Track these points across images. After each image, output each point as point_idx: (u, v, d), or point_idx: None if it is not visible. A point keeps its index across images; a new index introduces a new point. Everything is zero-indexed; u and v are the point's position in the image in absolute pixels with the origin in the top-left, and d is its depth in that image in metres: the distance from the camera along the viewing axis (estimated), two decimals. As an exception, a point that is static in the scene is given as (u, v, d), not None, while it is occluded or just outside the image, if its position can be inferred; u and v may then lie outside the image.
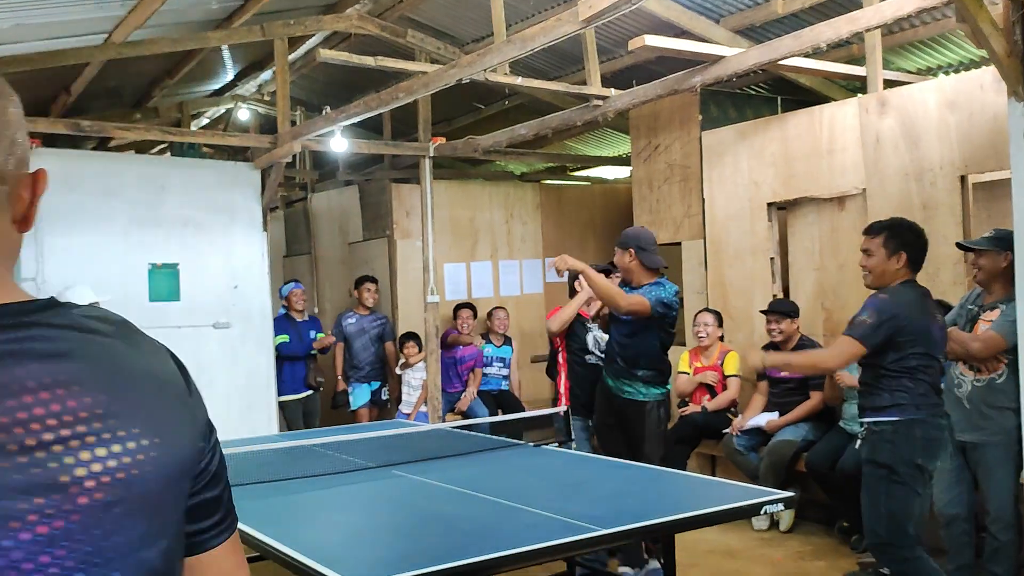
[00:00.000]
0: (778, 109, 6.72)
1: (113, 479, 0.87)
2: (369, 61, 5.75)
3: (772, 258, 6.07)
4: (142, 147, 10.12)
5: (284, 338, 7.30)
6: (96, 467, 0.86)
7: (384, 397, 7.75)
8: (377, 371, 7.72)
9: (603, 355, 5.05)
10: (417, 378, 7.36)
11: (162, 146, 10.11)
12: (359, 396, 7.55)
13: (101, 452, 0.87)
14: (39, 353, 0.88)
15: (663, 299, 4.52)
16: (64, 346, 0.90)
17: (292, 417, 7.35)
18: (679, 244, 6.82)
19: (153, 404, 0.96)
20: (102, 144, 9.41)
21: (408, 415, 7.22)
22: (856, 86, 6.48)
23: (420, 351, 7.39)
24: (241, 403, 7.12)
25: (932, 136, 5.13)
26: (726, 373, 6.00)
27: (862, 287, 5.53)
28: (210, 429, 1.05)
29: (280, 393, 7.27)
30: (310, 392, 7.36)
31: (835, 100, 6.26)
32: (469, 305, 7.71)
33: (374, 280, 7.73)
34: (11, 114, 0.97)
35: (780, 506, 3.21)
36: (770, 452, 5.48)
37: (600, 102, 5.66)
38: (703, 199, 6.51)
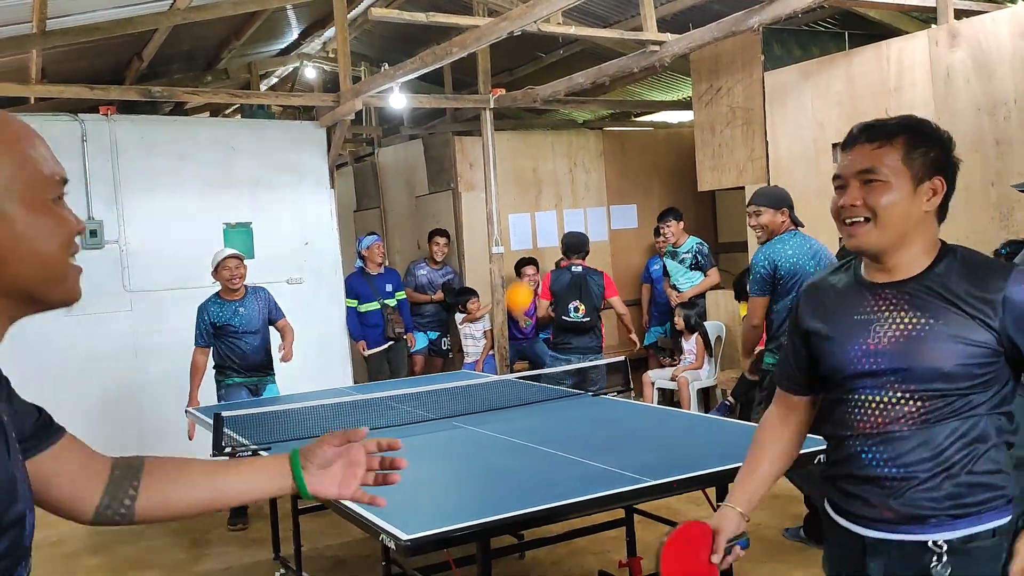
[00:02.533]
0: (846, 45, 6.49)
1: None
2: (421, 17, 5.77)
3: (838, 200, 5.93)
4: (216, 109, 10.40)
5: (352, 302, 7.42)
6: None
7: (445, 347, 7.90)
8: (439, 322, 7.86)
9: None
10: (478, 329, 7.47)
11: (235, 107, 10.37)
12: (416, 343, 7.71)
13: None
14: None
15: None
16: None
17: (375, 370, 7.54)
18: (742, 188, 6.71)
19: None
20: (178, 108, 9.70)
21: (474, 365, 7.36)
22: (929, 17, 6.21)
23: (480, 305, 7.50)
24: (316, 357, 7.37)
25: (1006, 68, 4.91)
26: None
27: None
28: None
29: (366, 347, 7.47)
30: (391, 343, 7.48)
31: (907, 33, 6.01)
32: (533, 260, 7.64)
33: (445, 233, 7.81)
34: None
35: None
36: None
37: (656, 47, 5.57)
38: (766, 142, 6.37)
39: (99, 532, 5.43)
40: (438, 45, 5.62)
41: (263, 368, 5.73)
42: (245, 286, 5.74)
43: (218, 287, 5.71)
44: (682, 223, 7.28)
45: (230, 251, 5.72)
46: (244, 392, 5.59)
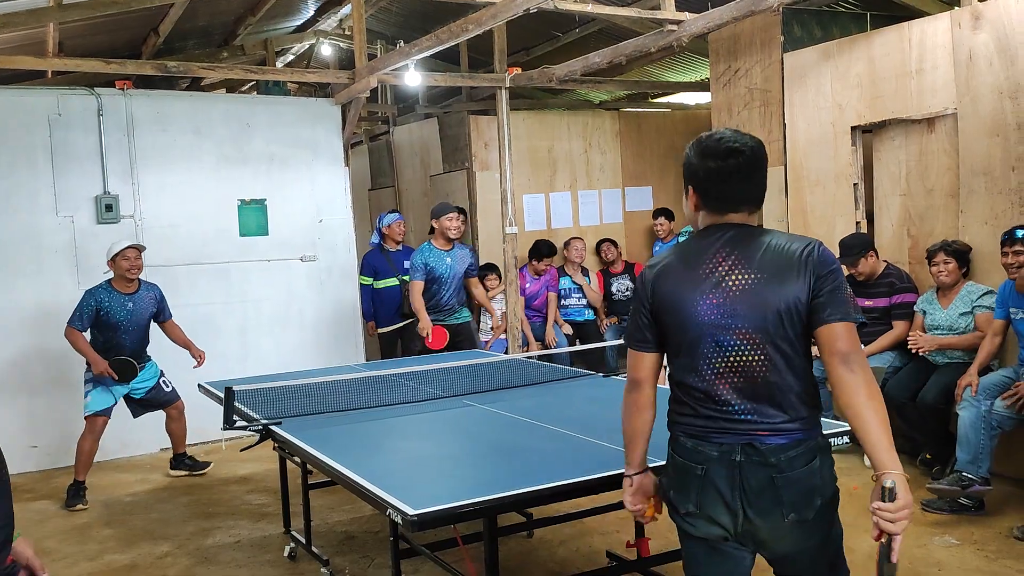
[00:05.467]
0: (867, 26, 6.40)
1: None
2: (436, -8, 5.72)
3: (856, 184, 5.87)
4: (232, 86, 10.39)
5: (367, 280, 7.43)
6: None
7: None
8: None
9: None
10: (496, 308, 7.47)
11: (250, 83, 10.36)
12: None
13: None
14: None
15: None
16: None
17: (387, 347, 7.54)
18: (759, 171, 6.65)
19: None
20: (194, 84, 9.70)
21: (486, 343, 7.37)
22: (952, -1, 6.11)
23: (500, 282, 7.49)
24: (328, 333, 7.41)
25: (1030, 51, 4.82)
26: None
27: (950, 213, 5.35)
28: None
29: (378, 325, 7.46)
30: (406, 322, 7.47)
31: (929, 15, 5.91)
32: (548, 244, 7.74)
33: (462, 212, 7.78)
34: None
35: (845, 439, 3.19)
36: (857, 382, 5.34)
37: (674, 27, 5.51)
38: (784, 124, 6.30)
39: (111, 504, 5.49)
40: (454, 22, 5.57)
41: (137, 359, 5.68)
42: (139, 280, 5.68)
43: (111, 275, 5.63)
44: None
45: (129, 242, 5.64)
46: (111, 381, 5.53)
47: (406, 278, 7.22)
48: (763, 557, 2.36)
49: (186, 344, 5.87)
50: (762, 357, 2.19)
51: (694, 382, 2.26)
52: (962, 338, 4.98)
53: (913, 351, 5.13)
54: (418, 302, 6.29)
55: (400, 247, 7.54)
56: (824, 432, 2.93)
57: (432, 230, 6.45)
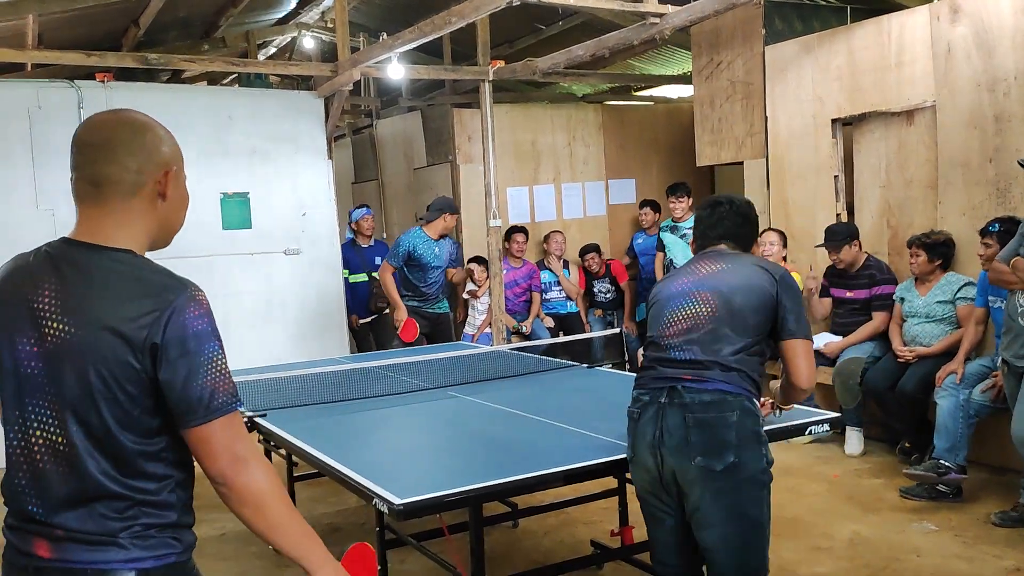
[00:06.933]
0: (848, 19, 6.45)
1: None
2: (419, -15, 5.71)
3: (836, 176, 5.93)
4: (214, 78, 10.33)
5: (345, 272, 7.50)
6: None
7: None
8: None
9: None
10: (483, 302, 7.49)
11: (232, 76, 10.30)
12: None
13: None
14: None
15: None
16: None
17: (361, 340, 7.60)
18: (741, 164, 6.70)
19: None
20: (176, 76, 9.64)
21: (472, 336, 7.39)
22: (931, -8, 6.16)
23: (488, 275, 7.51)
24: (312, 327, 7.40)
25: (1007, 44, 4.88)
26: (788, 293, 5.94)
27: (929, 204, 5.41)
28: None
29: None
30: (374, 317, 7.53)
31: (908, 8, 5.97)
32: (521, 229, 7.80)
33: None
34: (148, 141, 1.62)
35: (826, 427, 3.23)
36: (839, 373, 5.39)
37: (657, 19, 5.53)
38: (766, 117, 6.35)
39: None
40: (437, 15, 5.57)
41: None
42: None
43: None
44: (691, 200, 7.29)
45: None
46: None
47: (375, 274, 7.29)
48: (689, 522, 2.58)
49: None
50: (707, 310, 2.66)
51: (655, 338, 2.75)
52: (939, 344, 5.05)
53: (900, 359, 5.19)
54: (389, 284, 6.34)
55: (372, 243, 7.61)
56: (805, 420, 3.03)
57: (422, 219, 6.50)
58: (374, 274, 7.37)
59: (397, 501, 2.48)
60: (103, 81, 6.60)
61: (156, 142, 1.62)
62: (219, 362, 1.53)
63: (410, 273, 6.39)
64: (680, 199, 7.21)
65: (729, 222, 2.88)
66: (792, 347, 2.68)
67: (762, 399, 2.79)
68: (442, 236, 6.48)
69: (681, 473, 2.55)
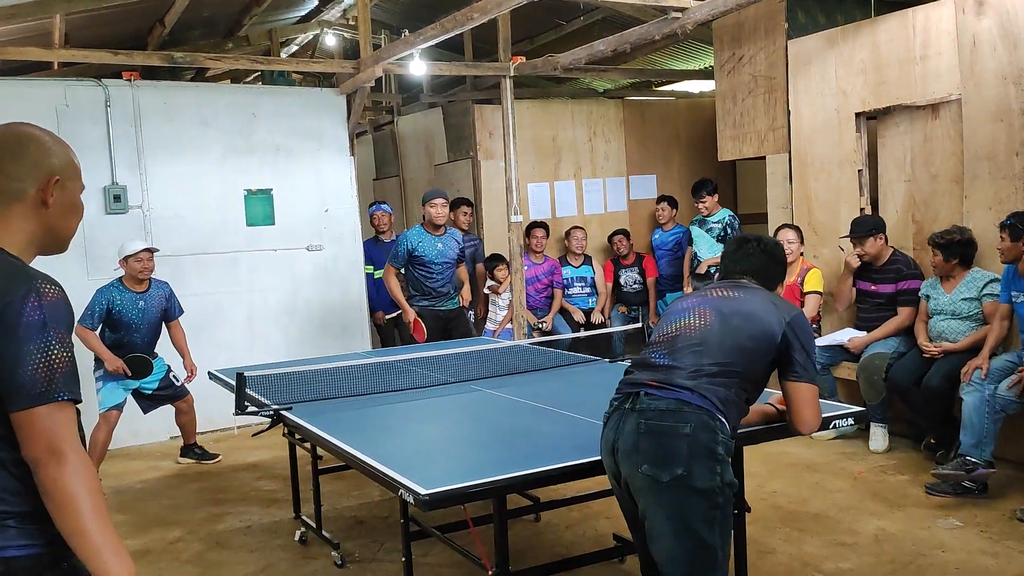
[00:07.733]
0: (872, 12, 6.40)
1: None
2: (440, -18, 5.73)
3: (860, 170, 5.89)
4: (237, 76, 10.41)
5: (369, 268, 7.54)
6: None
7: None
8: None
9: None
10: (505, 298, 7.52)
11: (255, 74, 10.38)
12: None
13: None
14: None
15: None
16: None
17: (385, 335, 7.64)
18: (763, 158, 6.67)
19: None
20: (200, 74, 9.73)
21: (493, 332, 7.41)
22: (957, -16, 6.09)
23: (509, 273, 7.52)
24: (335, 322, 7.46)
25: (1034, 37, 4.83)
26: (805, 290, 5.92)
27: (955, 198, 5.37)
28: None
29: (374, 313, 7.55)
30: (400, 312, 7.55)
31: (933, 0, 5.92)
32: (541, 224, 7.82)
33: (469, 203, 7.81)
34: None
35: (850, 422, 3.22)
36: (864, 368, 5.36)
37: (679, 14, 5.52)
38: (788, 111, 6.32)
39: (123, 491, 5.55)
40: (458, 11, 5.59)
41: (147, 355, 5.72)
42: (151, 278, 5.71)
43: (120, 272, 5.65)
44: (716, 196, 7.28)
45: (144, 244, 5.67)
46: (122, 376, 5.57)
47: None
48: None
49: (182, 351, 5.89)
50: (699, 323, 2.67)
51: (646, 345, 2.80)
52: (965, 340, 5.00)
53: (926, 355, 5.16)
54: (392, 286, 6.34)
55: (393, 237, 7.63)
56: (829, 414, 3.00)
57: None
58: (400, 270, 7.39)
59: (423, 492, 2.51)
60: (130, 80, 6.67)
61: (41, 152, 1.75)
62: (52, 353, 1.57)
63: (416, 272, 6.32)
64: (703, 199, 7.20)
65: (755, 259, 2.88)
66: (797, 390, 2.64)
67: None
68: (444, 229, 6.36)
69: (631, 480, 2.54)
